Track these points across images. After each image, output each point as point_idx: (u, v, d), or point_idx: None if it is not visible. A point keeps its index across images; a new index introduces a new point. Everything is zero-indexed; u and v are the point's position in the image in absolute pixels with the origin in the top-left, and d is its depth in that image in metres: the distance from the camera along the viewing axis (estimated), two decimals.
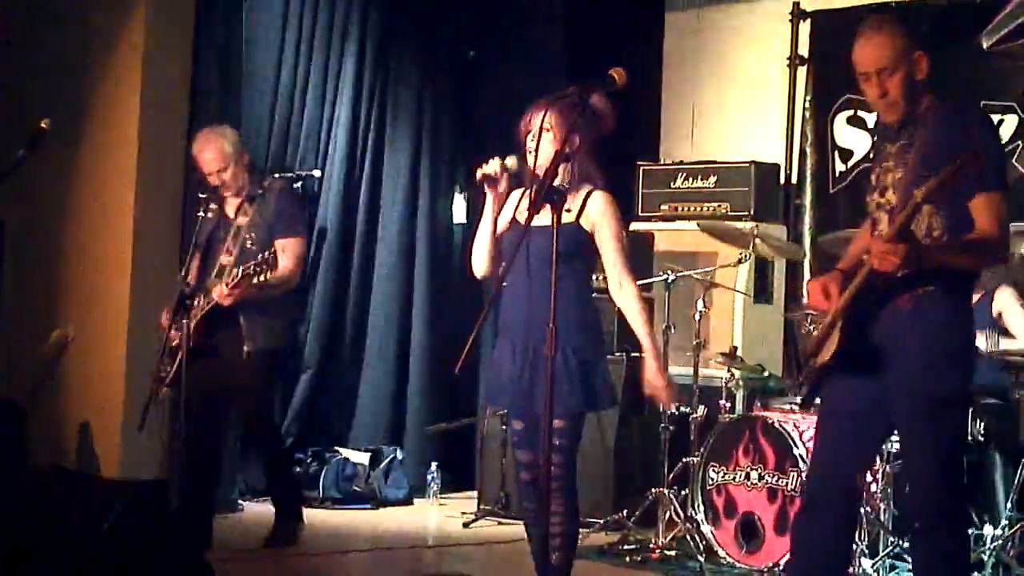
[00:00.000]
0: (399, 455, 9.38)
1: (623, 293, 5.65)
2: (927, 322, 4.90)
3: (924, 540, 5.06)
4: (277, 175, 7.91)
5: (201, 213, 7.43)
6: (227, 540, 7.45)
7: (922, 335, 4.90)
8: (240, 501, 8.69)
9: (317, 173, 8.96)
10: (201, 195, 7.46)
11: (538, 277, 5.41)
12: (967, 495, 5.10)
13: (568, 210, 5.43)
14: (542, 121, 5.39)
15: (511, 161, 5.57)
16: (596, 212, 5.57)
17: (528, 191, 5.54)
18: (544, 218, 5.31)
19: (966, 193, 4.83)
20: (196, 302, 7.17)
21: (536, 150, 5.51)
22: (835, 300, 5.00)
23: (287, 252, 7.31)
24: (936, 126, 4.95)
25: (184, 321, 6.87)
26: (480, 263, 5.72)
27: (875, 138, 8.89)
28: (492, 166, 5.56)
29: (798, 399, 7.56)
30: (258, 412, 7.67)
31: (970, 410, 6.94)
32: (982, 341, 7.40)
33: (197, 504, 7.26)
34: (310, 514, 7.92)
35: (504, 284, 5.61)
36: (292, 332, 8.01)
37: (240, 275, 6.98)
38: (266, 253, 6.95)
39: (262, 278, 6.95)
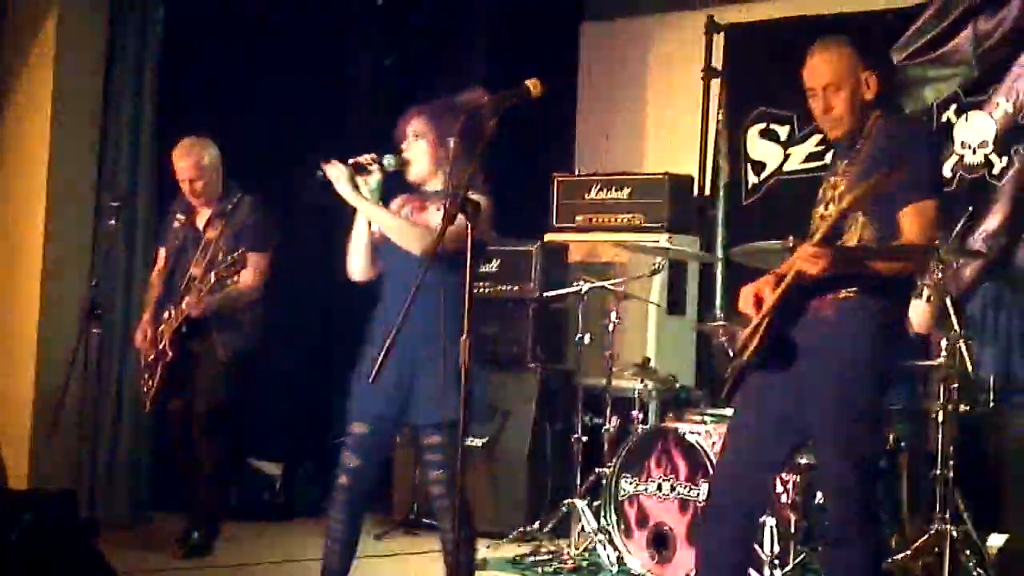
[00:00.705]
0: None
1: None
2: (848, 330, 4.95)
3: (836, 550, 5.09)
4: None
5: (175, 223, 7.66)
6: (140, 551, 7.38)
7: (843, 343, 4.96)
8: (151, 512, 8.61)
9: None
10: (113, 203, 7.47)
11: (414, 281, 5.25)
12: (878, 505, 5.12)
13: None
14: (415, 128, 5.47)
15: (389, 160, 5.50)
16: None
17: (407, 199, 5.58)
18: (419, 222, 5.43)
19: (898, 204, 4.90)
20: (168, 313, 7.41)
21: (410, 159, 5.52)
22: (766, 305, 5.04)
23: (251, 265, 7.31)
24: (876, 142, 5.03)
25: (162, 329, 7.36)
26: (357, 266, 5.61)
27: (792, 151, 9.00)
28: (364, 157, 5.50)
29: (705, 408, 7.66)
30: (220, 414, 7.60)
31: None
32: None
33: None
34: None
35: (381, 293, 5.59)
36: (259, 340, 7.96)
37: (213, 279, 7.02)
38: (235, 254, 6.99)
39: (231, 281, 7.01)
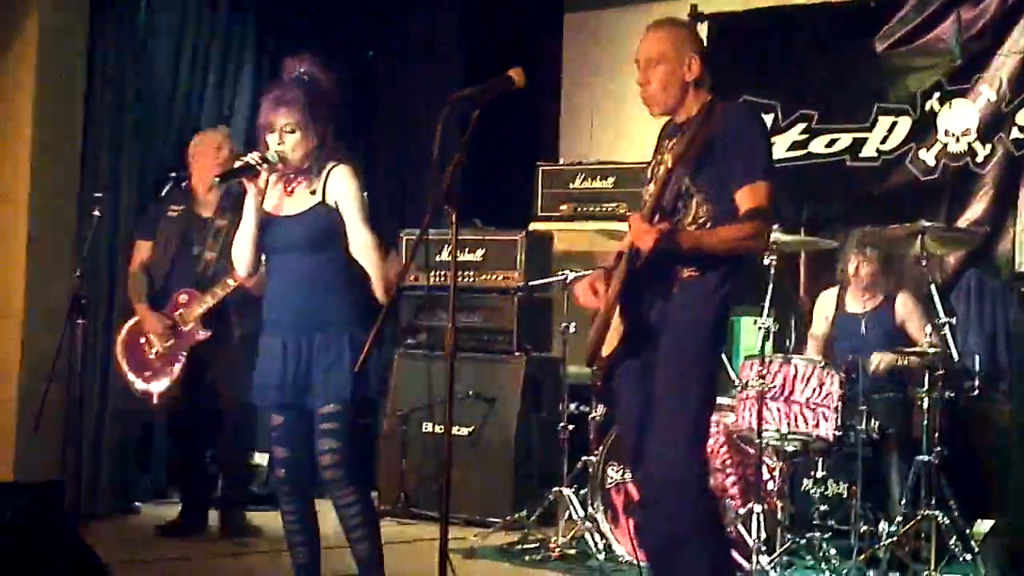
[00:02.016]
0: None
1: (360, 247, 5.45)
2: (693, 307, 5.01)
3: (656, 513, 5.12)
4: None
5: (170, 214, 7.70)
6: (125, 541, 7.38)
7: (689, 320, 5.02)
8: (137, 503, 8.60)
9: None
10: (97, 194, 7.44)
11: (296, 267, 5.42)
12: (704, 467, 5.13)
13: (313, 192, 5.44)
14: (285, 121, 5.42)
15: (272, 154, 5.44)
16: (338, 186, 5.44)
17: (277, 180, 5.50)
18: (294, 206, 5.44)
19: (733, 185, 4.99)
20: (186, 296, 7.55)
21: (285, 152, 5.45)
22: (603, 295, 5.12)
23: None
24: (703, 122, 5.05)
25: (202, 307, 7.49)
26: (243, 262, 5.59)
27: (775, 140, 8.98)
28: (252, 156, 5.43)
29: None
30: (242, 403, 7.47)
31: (862, 407, 7.06)
32: (876, 358, 7.52)
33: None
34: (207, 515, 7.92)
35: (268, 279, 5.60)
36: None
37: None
38: None
39: None
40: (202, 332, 7.58)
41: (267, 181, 5.45)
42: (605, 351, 5.17)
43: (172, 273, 7.71)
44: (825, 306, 8.11)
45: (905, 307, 7.81)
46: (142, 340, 7.71)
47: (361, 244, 5.43)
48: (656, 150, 5.34)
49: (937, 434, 6.96)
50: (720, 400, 7.64)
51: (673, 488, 4.99)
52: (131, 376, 7.72)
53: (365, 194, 5.51)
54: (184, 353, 7.62)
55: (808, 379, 7.06)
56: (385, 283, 5.41)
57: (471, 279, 8.71)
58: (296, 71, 5.55)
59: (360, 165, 5.57)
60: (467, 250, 8.73)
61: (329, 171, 5.45)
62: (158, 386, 7.64)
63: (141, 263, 7.82)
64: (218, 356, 7.60)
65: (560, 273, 8.07)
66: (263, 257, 5.62)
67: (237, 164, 5.46)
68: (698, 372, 5.04)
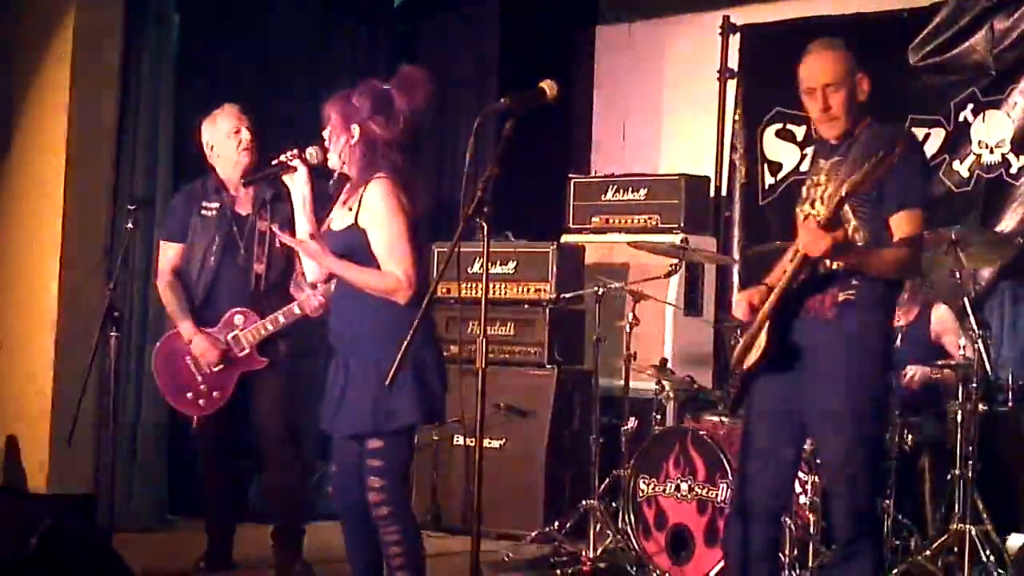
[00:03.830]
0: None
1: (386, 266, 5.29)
2: (846, 331, 5.06)
3: (841, 548, 5.22)
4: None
5: (204, 212, 7.05)
6: (159, 554, 7.40)
7: (841, 343, 5.06)
8: (170, 516, 8.61)
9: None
10: (131, 206, 7.16)
11: (337, 287, 5.38)
12: (879, 505, 5.25)
13: (350, 209, 5.33)
14: (327, 116, 5.37)
15: (311, 152, 5.40)
16: (370, 204, 5.30)
17: (335, 194, 5.45)
18: (339, 222, 5.35)
19: (886, 210, 5.01)
20: (243, 317, 6.95)
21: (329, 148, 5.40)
22: (765, 308, 5.14)
23: None
24: (866, 145, 5.08)
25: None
26: (310, 267, 5.60)
27: (808, 151, 8.96)
28: (285, 155, 5.40)
29: (723, 409, 7.66)
30: (292, 423, 7.16)
31: (896, 419, 7.03)
32: (910, 371, 7.49)
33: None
34: (238, 529, 7.84)
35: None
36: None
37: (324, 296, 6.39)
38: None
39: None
40: (258, 360, 6.96)
41: (308, 178, 5.39)
42: (747, 363, 5.21)
43: (217, 285, 7.02)
44: None
45: (941, 320, 7.77)
46: (187, 360, 7.02)
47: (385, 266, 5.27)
48: (811, 169, 5.37)
49: (971, 448, 6.93)
50: None
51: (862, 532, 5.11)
52: (168, 397, 7.21)
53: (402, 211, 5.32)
54: (234, 380, 7.01)
55: None
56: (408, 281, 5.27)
57: (503, 291, 8.71)
58: (373, 83, 5.47)
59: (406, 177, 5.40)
60: (499, 262, 8.72)
61: (366, 187, 5.32)
62: (200, 411, 7.06)
63: (173, 270, 7.13)
64: (266, 384, 7.04)
65: (592, 285, 8.07)
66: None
67: (274, 163, 5.37)
68: (863, 397, 5.07)
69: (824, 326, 5.09)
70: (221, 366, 6.97)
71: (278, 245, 6.75)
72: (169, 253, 7.17)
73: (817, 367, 5.09)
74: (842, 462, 5.12)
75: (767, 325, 5.12)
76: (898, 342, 7.61)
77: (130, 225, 7.06)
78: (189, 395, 7.06)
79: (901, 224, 5.02)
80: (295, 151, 5.35)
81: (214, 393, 7.02)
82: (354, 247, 5.29)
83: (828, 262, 5.05)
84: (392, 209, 5.27)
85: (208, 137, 7.09)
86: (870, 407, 5.10)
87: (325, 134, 5.39)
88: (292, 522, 7.18)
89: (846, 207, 4.99)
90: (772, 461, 5.24)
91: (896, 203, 5.01)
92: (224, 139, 7.02)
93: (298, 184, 5.43)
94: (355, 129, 5.33)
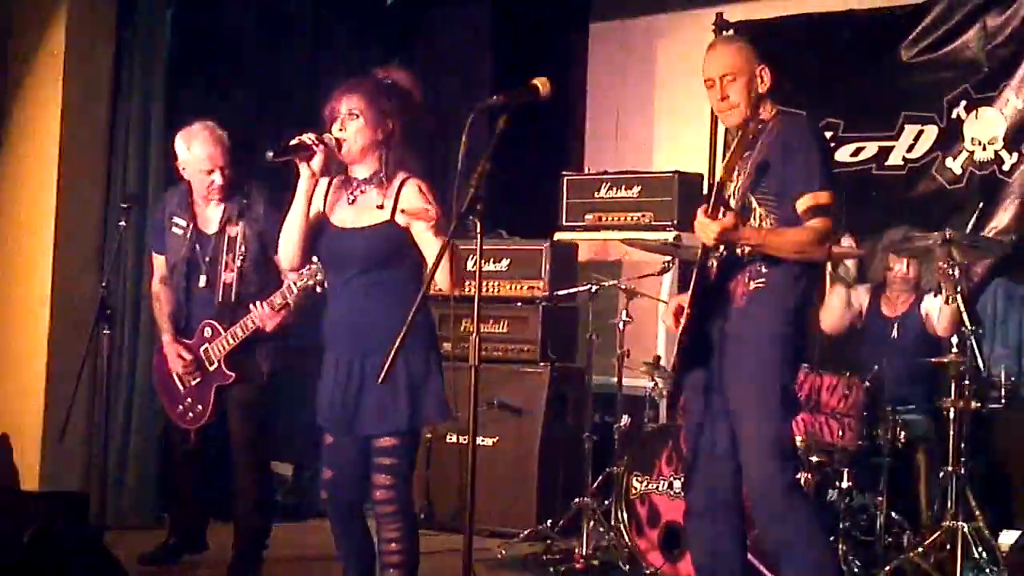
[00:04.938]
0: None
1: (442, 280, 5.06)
2: (754, 318, 5.21)
3: (764, 529, 5.38)
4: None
5: (175, 229, 7.02)
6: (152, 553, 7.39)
7: (750, 331, 5.21)
8: (162, 514, 8.58)
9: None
10: (123, 204, 7.24)
11: (355, 284, 5.21)
12: (795, 484, 5.36)
13: (380, 207, 5.19)
14: (351, 106, 5.17)
15: (330, 138, 5.19)
16: (411, 204, 5.17)
17: (335, 182, 5.30)
18: (358, 218, 5.21)
19: (791, 196, 5.16)
20: (212, 330, 6.93)
21: (345, 138, 5.20)
22: (685, 312, 5.32)
23: None
24: (770, 136, 5.27)
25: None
26: (289, 253, 5.34)
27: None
28: (307, 136, 5.16)
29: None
30: (261, 436, 7.11)
31: (889, 416, 7.05)
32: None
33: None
34: (229, 528, 7.83)
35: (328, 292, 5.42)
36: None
37: (280, 304, 6.56)
38: (308, 275, 6.20)
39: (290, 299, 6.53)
40: (226, 374, 6.92)
41: (322, 165, 5.19)
42: (672, 360, 5.44)
43: (191, 297, 7.03)
44: (839, 295, 8.11)
45: (927, 304, 7.77)
46: (174, 372, 7.07)
47: (442, 276, 5.03)
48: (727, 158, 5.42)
49: (964, 445, 6.94)
50: None
51: (764, 504, 5.24)
52: (167, 408, 7.20)
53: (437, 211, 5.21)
54: (212, 394, 6.97)
55: (834, 390, 7.05)
56: (452, 275, 5.08)
57: (496, 289, 8.71)
58: (380, 75, 5.34)
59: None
60: (492, 260, 8.72)
61: (400, 187, 5.21)
62: (189, 424, 7.08)
63: (160, 280, 7.20)
64: (240, 402, 6.99)
65: (585, 283, 8.07)
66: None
67: (292, 142, 5.16)
68: (770, 386, 5.19)
69: (737, 314, 5.23)
70: (198, 379, 6.99)
71: (246, 263, 6.85)
72: (157, 263, 7.24)
73: (728, 355, 5.23)
74: (749, 450, 5.21)
75: (684, 319, 5.27)
76: (894, 333, 7.67)
77: (122, 223, 7.10)
78: (179, 408, 7.10)
79: (803, 207, 5.13)
80: (315, 135, 5.17)
81: (198, 407, 7.03)
82: (391, 243, 5.18)
83: (738, 250, 5.21)
84: (435, 207, 5.19)
85: (182, 157, 7.03)
86: (775, 396, 5.20)
87: (338, 124, 5.20)
88: (254, 523, 7.13)
89: (751, 197, 5.20)
90: (709, 453, 5.34)
91: (798, 188, 5.14)
92: (196, 171, 6.98)
93: (313, 169, 5.19)
94: (390, 124, 5.23)
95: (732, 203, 5.22)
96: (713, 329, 5.27)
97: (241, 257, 6.90)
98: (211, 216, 7.04)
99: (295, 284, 6.35)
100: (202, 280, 6.97)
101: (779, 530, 5.25)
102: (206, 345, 6.97)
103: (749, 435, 5.20)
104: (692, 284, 5.29)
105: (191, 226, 7.03)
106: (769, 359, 5.19)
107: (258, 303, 6.70)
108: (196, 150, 6.94)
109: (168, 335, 7.06)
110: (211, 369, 6.96)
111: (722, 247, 5.20)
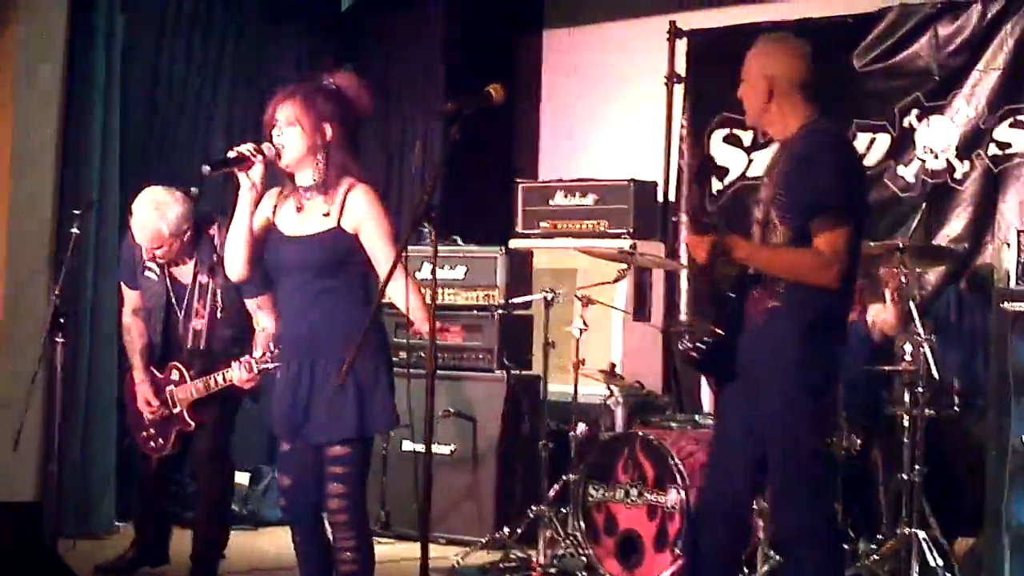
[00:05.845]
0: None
1: (397, 286, 5.01)
2: (772, 338, 5.04)
3: (789, 560, 5.29)
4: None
5: (147, 273, 6.99)
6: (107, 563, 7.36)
7: (766, 351, 5.06)
8: (117, 523, 8.54)
9: (195, 191, 8.33)
10: (76, 211, 7.23)
11: (303, 291, 5.17)
12: (830, 513, 5.35)
13: (326, 214, 5.15)
14: (288, 114, 5.12)
15: (268, 146, 5.14)
16: (358, 210, 5.13)
17: (283, 191, 5.26)
18: (304, 226, 5.17)
19: (807, 214, 4.98)
20: (179, 373, 6.94)
21: (283, 146, 5.15)
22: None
23: (265, 309, 6.68)
24: (796, 148, 5.11)
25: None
26: (236, 265, 5.25)
27: (755, 156, 9.06)
28: (245, 147, 5.12)
29: (672, 414, 7.70)
30: (224, 452, 7.11)
31: (843, 422, 7.07)
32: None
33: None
34: (186, 535, 7.76)
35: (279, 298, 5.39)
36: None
37: (258, 370, 6.52)
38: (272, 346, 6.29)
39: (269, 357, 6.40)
40: (187, 422, 6.95)
41: (263, 175, 5.15)
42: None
43: (165, 337, 7.04)
44: None
45: (876, 313, 7.79)
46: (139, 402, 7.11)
47: (399, 282, 5.00)
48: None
49: (918, 452, 6.97)
50: (698, 418, 7.69)
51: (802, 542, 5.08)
52: (132, 429, 7.22)
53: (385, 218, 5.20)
54: (172, 435, 7.03)
55: None
56: (425, 311, 5.10)
57: (451, 296, 8.70)
58: (326, 80, 5.30)
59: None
60: (447, 267, 8.71)
61: (346, 194, 5.16)
62: (152, 451, 7.09)
63: (132, 313, 7.15)
64: (202, 432, 7.01)
65: (540, 291, 8.07)
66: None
67: (231, 153, 5.12)
68: (789, 408, 5.02)
69: (756, 333, 5.09)
70: (163, 415, 7.02)
71: (218, 309, 6.88)
72: (128, 296, 7.21)
73: (750, 375, 5.10)
74: (776, 473, 5.12)
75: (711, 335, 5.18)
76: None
77: (75, 230, 7.05)
78: (143, 434, 7.12)
79: (816, 230, 4.96)
80: (253, 145, 5.13)
81: (159, 439, 7.07)
82: (339, 250, 5.14)
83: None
84: (383, 212, 5.17)
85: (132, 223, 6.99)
86: (797, 417, 5.03)
87: (279, 131, 5.16)
88: (211, 533, 7.12)
89: (772, 212, 5.04)
90: (729, 466, 5.24)
91: (813, 206, 4.97)
92: (149, 230, 6.88)
93: (252, 179, 5.16)
94: (327, 129, 5.17)
95: (758, 211, 5.12)
96: (736, 339, 5.13)
97: (212, 306, 6.93)
98: (183, 270, 7.04)
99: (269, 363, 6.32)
100: (178, 325, 6.99)
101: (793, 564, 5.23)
102: (171, 387, 6.99)
103: (774, 463, 5.08)
104: (713, 300, 5.22)
105: (162, 273, 7.03)
106: (791, 385, 5.00)
107: (236, 364, 6.65)
108: (137, 230, 6.93)
109: (140, 372, 7.07)
110: (175, 412, 6.98)
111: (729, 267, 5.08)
